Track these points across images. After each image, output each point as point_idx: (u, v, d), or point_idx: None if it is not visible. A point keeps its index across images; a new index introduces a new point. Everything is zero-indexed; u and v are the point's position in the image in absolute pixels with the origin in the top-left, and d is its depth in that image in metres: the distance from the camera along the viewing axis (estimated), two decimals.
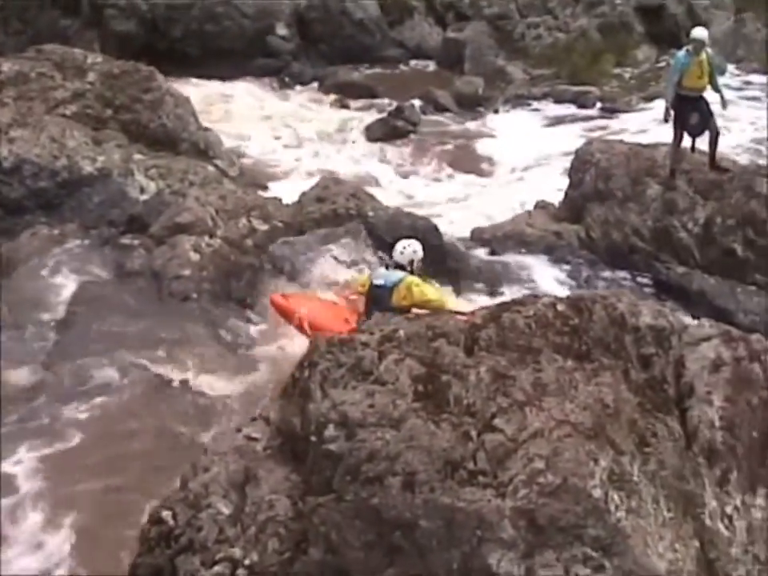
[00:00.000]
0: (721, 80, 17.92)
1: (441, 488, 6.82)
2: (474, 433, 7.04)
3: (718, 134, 16.92)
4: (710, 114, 16.65)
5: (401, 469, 6.88)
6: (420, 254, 11.75)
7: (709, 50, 16.64)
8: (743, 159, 22.57)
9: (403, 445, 6.97)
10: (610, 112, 28.75)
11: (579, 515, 6.70)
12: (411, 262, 11.65)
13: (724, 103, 16.88)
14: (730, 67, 31.33)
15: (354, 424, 7.15)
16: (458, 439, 7.01)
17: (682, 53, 16.58)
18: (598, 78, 30.57)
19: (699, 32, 16.59)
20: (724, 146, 22.92)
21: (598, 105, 29.19)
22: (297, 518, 7.23)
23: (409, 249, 11.71)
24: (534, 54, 32.69)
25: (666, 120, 16.79)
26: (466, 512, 6.71)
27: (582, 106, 29.11)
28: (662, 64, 30.88)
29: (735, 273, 16.36)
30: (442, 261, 15.89)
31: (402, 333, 7.75)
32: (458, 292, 15.56)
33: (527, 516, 6.69)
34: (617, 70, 31.81)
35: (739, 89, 30.14)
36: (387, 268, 11.95)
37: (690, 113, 16.54)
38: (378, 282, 11.56)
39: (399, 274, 11.49)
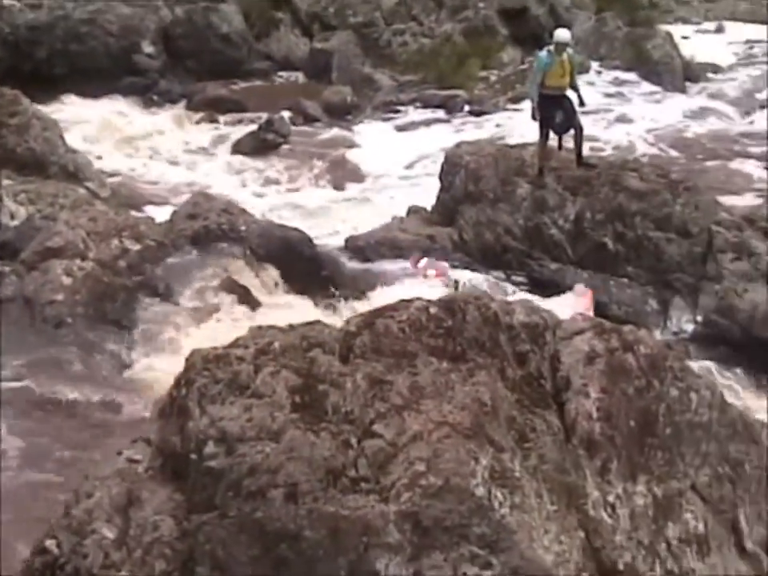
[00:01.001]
0: (586, 77, 18.27)
1: (324, 497, 6.79)
2: (353, 440, 7.02)
3: (582, 130, 17.24)
4: (574, 111, 16.98)
5: (282, 481, 6.84)
6: None
7: (570, 50, 16.99)
8: (644, 149, 23.58)
9: (284, 456, 6.93)
10: (478, 114, 29.13)
11: (464, 514, 6.72)
12: None
13: (581, 101, 17.22)
14: (594, 65, 31.94)
15: (234, 439, 7.09)
16: (339, 447, 6.99)
17: (544, 53, 16.90)
18: (465, 82, 30.91)
19: (562, 34, 16.90)
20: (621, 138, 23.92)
21: (466, 108, 29.55)
22: (182, 537, 7.14)
23: None
24: (400, 60, 32.91)
25: (533, 118, 17.07)
26: (351, 519, 6.70)
27: (450, 109, 29.41)
28: (527, 65, 31.28)
29: (607, 266, 16.69)
30: (317, 270, 15.96)
31: (277, 345, 7.70)
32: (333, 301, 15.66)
33: (412, 519, 6.69)
34: (483, 73, 32.21)
35: (610, 83, 30.93)
36: None
37: (555, 111, 16.86)
38: None
39: None
